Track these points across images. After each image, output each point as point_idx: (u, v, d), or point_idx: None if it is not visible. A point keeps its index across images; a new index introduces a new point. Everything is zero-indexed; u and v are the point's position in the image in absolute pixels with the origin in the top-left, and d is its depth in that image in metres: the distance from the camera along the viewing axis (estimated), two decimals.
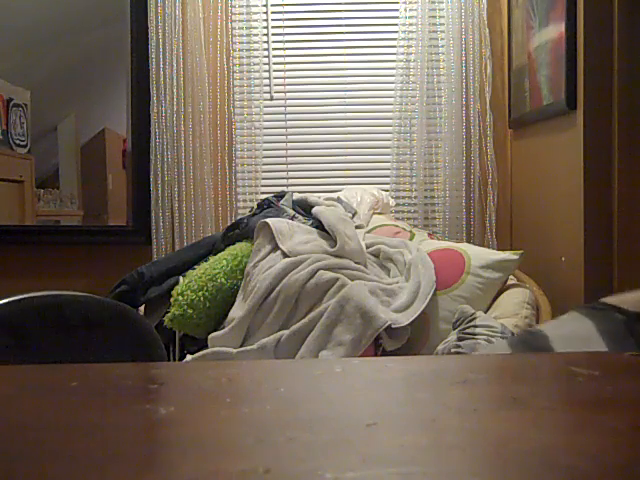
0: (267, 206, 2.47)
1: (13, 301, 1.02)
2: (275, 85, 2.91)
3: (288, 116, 2.92)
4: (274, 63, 2.90)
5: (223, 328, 2.08)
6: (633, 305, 0.72)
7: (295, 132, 2.92)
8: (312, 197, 2.53)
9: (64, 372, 0.43)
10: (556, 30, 2.23)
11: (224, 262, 2.20)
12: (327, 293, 2.01)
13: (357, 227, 2.41)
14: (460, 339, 1.86)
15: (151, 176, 2.79)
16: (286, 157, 2.93)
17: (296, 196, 2.56)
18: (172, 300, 2.13)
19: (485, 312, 2.04)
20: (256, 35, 2.86)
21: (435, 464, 0.26)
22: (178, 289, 2.15)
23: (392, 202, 2.78)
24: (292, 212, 2.43)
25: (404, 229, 2.50)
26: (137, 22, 2.80)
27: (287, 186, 2.89)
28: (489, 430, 0.30)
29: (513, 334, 1.88)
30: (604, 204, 2.04)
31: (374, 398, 0.35)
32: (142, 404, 0.34)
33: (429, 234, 2.55)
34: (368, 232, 2.46)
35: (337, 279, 2.03)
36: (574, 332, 0.76)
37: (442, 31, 2.83)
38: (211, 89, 2.83)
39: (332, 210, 2.38)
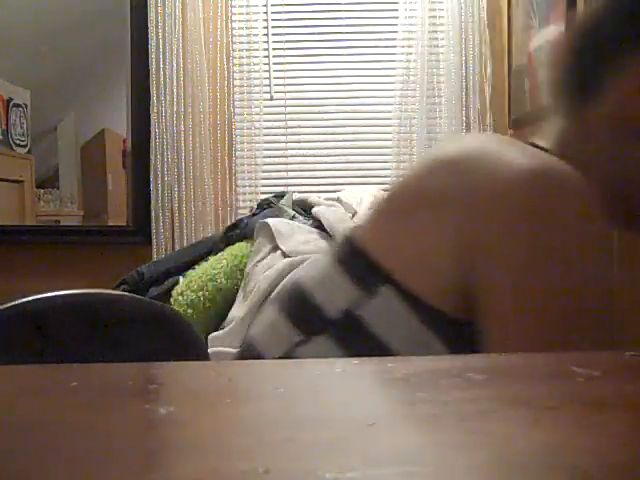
0: (267, 206, 2.46)
1: (41, 298, 1.00)
2: (275, 85, 2.91)
3: (288, 116, 2.92)
4: (274, 63, 2.90)
5: (223, 328, 2.08)
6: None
7: (295, 132, 2.92)
8: (312, 197, 2.53)
9: (64, 372, 0.43)
10: (556, 30, 2.23)
11: (224, 262, 2.20)
12: None
13: None
14: None
15: (151, 176, 2.79)
16: (286, 157, 2.93)
17: (296, 196, 2.55)
18: (172, 300, 2.13)
19: None
20: (256, 35, 2.86)
21: (435, 464, 0.26)
22: (178, 289, 2.15)
23: None
24: (292, 212, 2.43)
25: None
26: (137, 22, 2.80)
27: (287, 186, 2.89)
28: (489, 430, 0.30)
29: None
30: None
31: (374, 398, 0.35)
32: (142, 404, 0.34)
33: None
34: None
35: None
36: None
37: (442, 31, 2.83)
38: (211, 89, 2.83)
39: (332, 210, 2.38)
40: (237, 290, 2.21)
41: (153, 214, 2.80)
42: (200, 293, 2.14)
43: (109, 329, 1.02)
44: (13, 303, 0.98)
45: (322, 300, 0.70)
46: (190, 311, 2.10)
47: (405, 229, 0.69)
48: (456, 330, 0.64)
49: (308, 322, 0.71)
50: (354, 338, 0.63)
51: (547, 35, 2.33)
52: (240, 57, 2.89)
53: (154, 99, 2.78)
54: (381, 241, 0.70)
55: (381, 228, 0.72)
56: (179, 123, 2.78)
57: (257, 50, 2.87)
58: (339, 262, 0.72)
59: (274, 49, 2.89)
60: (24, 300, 0.98)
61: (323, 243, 2.29)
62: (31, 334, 1.00)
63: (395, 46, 2.84)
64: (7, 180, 2.92)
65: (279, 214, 2.44)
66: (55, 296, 1.01)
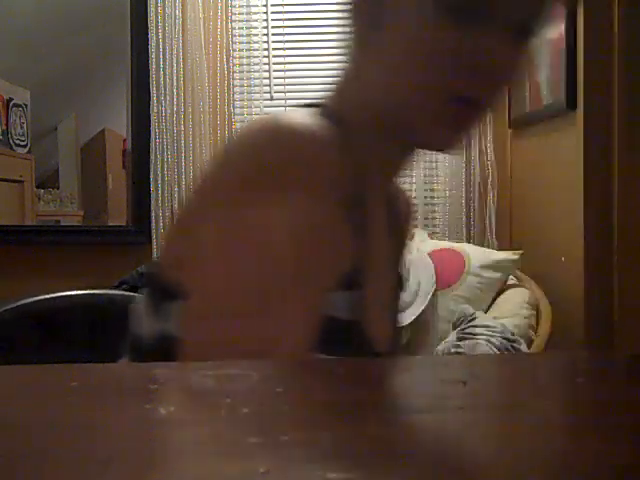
0: None
1: (47, 299, 0.99)
2: (275, 85, 2.91)
3: None
4: (274, 63, 2.89)
5: None
6: None
7: None
8: None
9: (64, 372, 0.43)
10: (556, 30, 2.23)
11: None
12: None
13: None
14: (460, 339, 1.86)
15: (151, 176, 2.79)
16: None
17: None
18: None
19: (485, 312, 2.04)
20: (256, 35, 2.86)
21: (435, 464, 0.26)
22: None
23: None
24: None
25: None
26: (137, 22, 2.80)
27: None
28: (489, 430, 0.30)
29: (513, 334, 1.88)
30: (604, 204, 2.04)
31: (374, 398, 0.35)
32: (142, 404, 0.34)
33: (429, 234, 2.55)
34: None
35: None
36: None
37: None
38: (211, 89, 2.83)
39: None
40: None
41: (153, 214, 2.80)
42: None
43: (116, 329, 1.02)
44: (19, 303, 0.98)
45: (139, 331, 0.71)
46: None
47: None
48: None
49: (134, 350, 0.70)
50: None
51: (547, 35, 2.33)
52: (240, 57, 2.89)
53: (154, 99, 2.78)
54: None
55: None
56: (179, 123, 2.78)
57: (257, 50, 2.87)
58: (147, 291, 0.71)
59: (274, 49, 2.89)
60: (29, 300, 0.98)
61: None
62: (37, 335, 1.00)
63: None
64: (7, 180, 2.92)
65: None
66: (62, 297, 1.00)
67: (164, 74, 2.78)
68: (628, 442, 0.28)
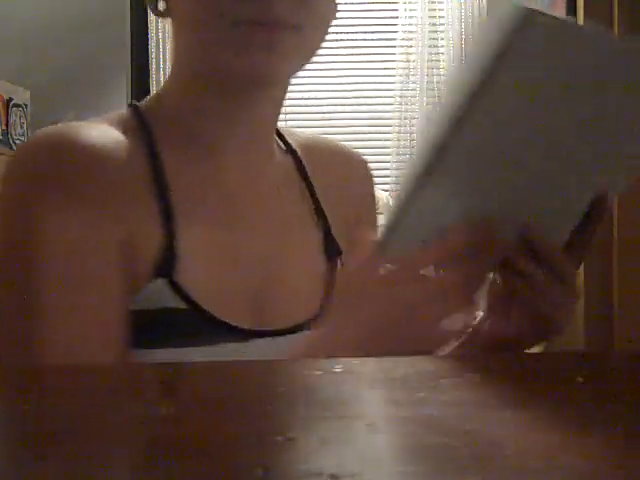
0: None
1: None
2: None
3: (288, 116, 2.92)
4: None
5: None
6: None
7: None
8: None
9: (64, 372, 0.43)
10: None
11: None
12: None
13: None
14: None
15: None
16: None
17: None
18: None
19: None
20: None
21: (435, 464, 0.26)
22: None
23: (392, 202, 2.78)
24: None
25: None
26: (137, 22, 2.80)
27: None
28: (489, 430, 0.30)
29: None
30: None
31: (374, 398, 0.35)
32: (142, 404, 0.34)
33: None
34: None
35: None
36: None
37: (442, 31, 2.83)
38: None
39: None
40: None
41: None
42: None
43: None
44: None
45: None
46: None
47: None
48: None
49: None
50: None
51: None
52: None
53: None
54: None
55: None
56: None
57: None
58: None
59: None
60: None
61: None
62: None
63: (395, 46, 2.84)
64: None
65: None
66: None
67: (164, 74, 2.78)
68: (628, 442, 0.28)
